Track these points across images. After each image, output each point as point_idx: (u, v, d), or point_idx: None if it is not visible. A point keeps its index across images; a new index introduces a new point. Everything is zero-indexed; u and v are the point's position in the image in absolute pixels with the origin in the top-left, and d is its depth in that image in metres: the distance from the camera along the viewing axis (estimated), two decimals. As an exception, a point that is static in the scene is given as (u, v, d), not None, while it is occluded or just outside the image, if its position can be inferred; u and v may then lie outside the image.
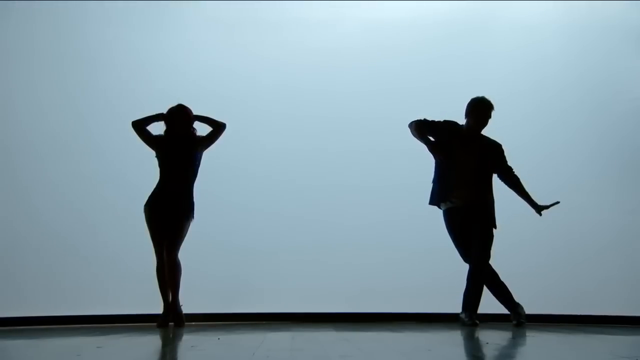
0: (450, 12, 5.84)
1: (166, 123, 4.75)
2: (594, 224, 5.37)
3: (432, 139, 4.73)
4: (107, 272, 5.09)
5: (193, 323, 4.82)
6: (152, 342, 3.77)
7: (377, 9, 5.83)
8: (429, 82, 5.62)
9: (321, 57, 5.63)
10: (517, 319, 4.58)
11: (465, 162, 4.70)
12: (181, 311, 4.62)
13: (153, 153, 4.74)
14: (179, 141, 4.71)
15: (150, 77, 5.49)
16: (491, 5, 5.86)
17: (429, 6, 5.85)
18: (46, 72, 5.53)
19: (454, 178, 4.70)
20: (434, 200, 4.79)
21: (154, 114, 4.72)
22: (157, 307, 4.65)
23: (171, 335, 4.09)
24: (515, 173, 4.84)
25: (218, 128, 4.76)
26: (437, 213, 4.93)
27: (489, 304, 5.02)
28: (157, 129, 4.75)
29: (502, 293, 4.65)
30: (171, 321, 4.58)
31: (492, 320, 4.94)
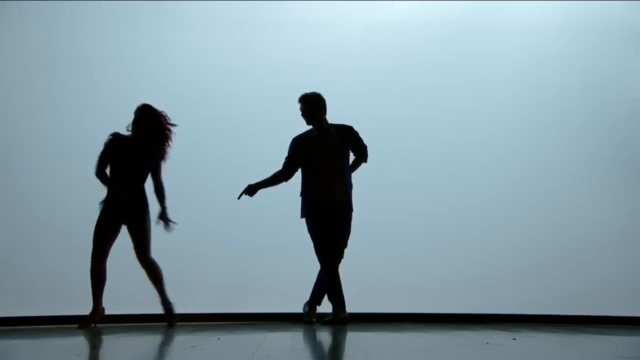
0: (450, 12, 5.84)
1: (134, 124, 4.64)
2: (594, 224, 5.37)
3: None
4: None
5: (193, 323, 4.82)
6: (152, 342, 3.77)
7: (377, 10, 5.83)
8: (429, 82, 5.62)
9: (322, 57, 5.64)
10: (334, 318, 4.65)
11: (325, 160, 4.77)
12: (173, 307, 4.65)
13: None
14: (138, 145, 4.64)
15: (152, 76, 5.49)
16: (491, 5, 5.86)
17: (429, 6, 5.85)
18: (46, 71, 5.53)
19: (318, 179, 4.76)
20: (304, 211, 4.79)
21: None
22: (156, 307, 4.65)
23: (170, 335, 4.10)
24: (367, 154, 4.90)
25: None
26: (437, 214, 4.94)
27: (488, 304, 5.04)
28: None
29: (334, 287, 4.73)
30: (165, 320, 4.62)
31: (492, 320, 4.95)
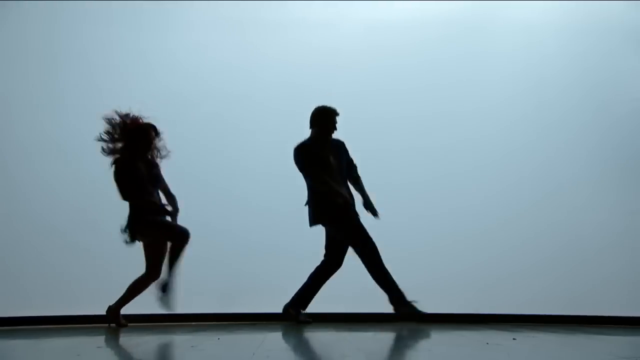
0: (450, 12, 5.84)
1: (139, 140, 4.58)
2: (594, 224, 5.37)
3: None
4: (106, 272, 5.09)
5: (193, 323, 4.82)
6: (152, 342, 3.77)
7: (377, 10, 5.83)
8: (429, 82, 5.63)
9: (322, 57, 5.64)
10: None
11: (337, 167, 4.79)
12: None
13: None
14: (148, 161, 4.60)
15: (152, 76, 5.50)
16: (491, 5, 5.87)
17: (429, 6, 5.86)
18: (45, 72, 5.53)
19: (336, 183, 4.76)
20: (327, 215, 4.74)
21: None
22: (155, 307, 4.65)
23: (170, 335, 4.10)
24: (356, 165, 4.93)
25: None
26: (437, 214, 4.94)
27: (488, 304, 5.04)
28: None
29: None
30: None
31: (492, 320, 4.95)
